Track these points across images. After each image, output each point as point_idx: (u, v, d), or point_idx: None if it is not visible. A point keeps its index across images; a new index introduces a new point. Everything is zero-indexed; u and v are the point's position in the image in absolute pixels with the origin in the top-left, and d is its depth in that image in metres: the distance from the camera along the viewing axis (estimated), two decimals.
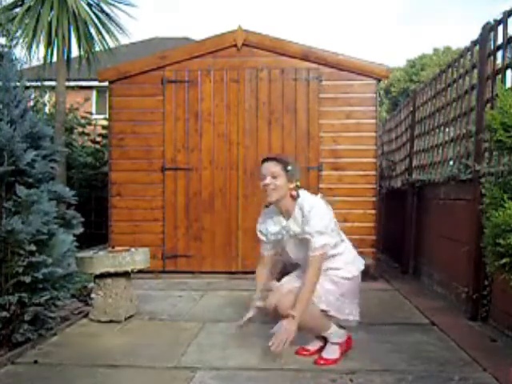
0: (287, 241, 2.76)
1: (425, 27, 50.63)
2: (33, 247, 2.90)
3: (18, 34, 5.97)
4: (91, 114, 9.09)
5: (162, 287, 4.75)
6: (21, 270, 2.88)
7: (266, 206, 2.84)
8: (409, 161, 5.83)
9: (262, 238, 2.86)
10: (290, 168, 2.66)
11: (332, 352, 2.75)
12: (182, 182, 5.34)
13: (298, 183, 2.71)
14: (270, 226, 2.80)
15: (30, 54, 5.98)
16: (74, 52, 6.28)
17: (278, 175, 2.64)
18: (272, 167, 2.65)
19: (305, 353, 2.84)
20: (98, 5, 6.29)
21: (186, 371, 2.60)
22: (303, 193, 2.72)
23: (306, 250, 2.61)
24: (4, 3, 7.55)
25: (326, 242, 2.57)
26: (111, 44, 6.33)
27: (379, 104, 5.84)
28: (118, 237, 5.26)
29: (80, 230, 3.75)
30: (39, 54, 7.14)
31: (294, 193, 2.67)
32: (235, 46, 5.30)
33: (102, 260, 3.48)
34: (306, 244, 2.61)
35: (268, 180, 2.64)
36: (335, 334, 2.75)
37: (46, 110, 8.56)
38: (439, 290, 4.39)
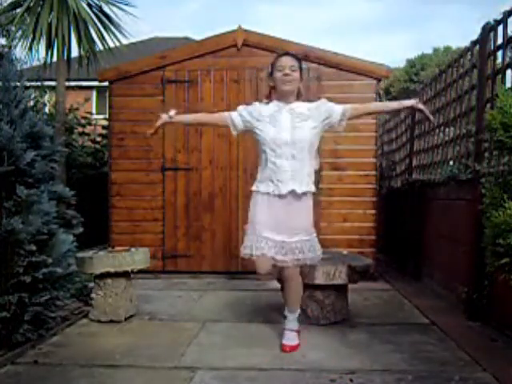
0: (283, 121, 2.83)
1: (425, 27, 50.64)
2: (33, 247, 2.90)
3: (18, 35, 5.97)
4: (91, 114, 9.09)
5: (161, 287, 4.75)
6: (21, 269, 2.88)
7: (266, 102, 2.95)
8: (409, 161, 5.83)
9: (238, 116, 2.91)
10: (303, 66, 2.92)
11: (294, 338, 2.98)
12: (182, 182, 5.34)
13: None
14: (262, 108, 2.89)
15: (30, 55, 5.98)
16: (74, 52, 6.27)
17: (296, 69, 2.84)
18: (291, 61, 2.84)
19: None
20: (97, 5, 6.29)
21: (185, 371, 2.60)
22: None
23: (302, 131, 2.80)
24: (4, 4, 7.55)
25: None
26: (111, 44, 6.33)
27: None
28: (118, 237, 5.26)
29: (80, 230, 3.77)
30: (39, 54, 7.13)
31: (301, 90, 2.90)
32: (235, 45, 5.30)
33: (101, 260, 3.48)
34: (302, 125, 2.81)
35: (288, 70, 2.80)
36: (296, 321, 3.04)
37: (46, 110, 8.55)
38: (439, 290, 4.39)
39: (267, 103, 2.93)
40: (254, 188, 2.92)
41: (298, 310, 3.08)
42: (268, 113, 2.86)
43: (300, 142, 2.80)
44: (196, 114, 3.11)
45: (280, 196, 2.81)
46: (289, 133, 2.80)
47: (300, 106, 2.88)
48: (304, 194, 2.83)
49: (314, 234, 2.91)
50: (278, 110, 2.85)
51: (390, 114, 6.82)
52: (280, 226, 2.80)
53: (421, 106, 2.83)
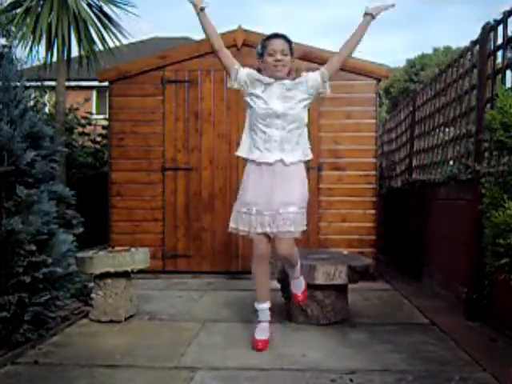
0: (273, 94, 2.88)
1: (425, 27, 50.63)
2: (33, 247, 2.90)
3: (18, 35, 5.96)
4: (91, 114, 9.08)
5: (161, 287, 4.75)
6: (21, 269, 2.88)
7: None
8: (409, 161, 5.83)
9: (244, 75, 2.92)
10: (293, 46, 2.92)
11: (301, 284, 3.17)
12: (182, 181, 5.34)
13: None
14: (259, 76, 2.91)
15: (30, 55, 5.97)
16: (74, 52, 6.27)
17: (287, 53, 2.86)
18: (282, 45, 2.86)
19: (262, 346, 2.95)
20: (97, 5, 6.28)
21: (185, 371, 2.60)
22: None
23: (291, 103, 2.86)
24: (4, 4, 7.55)
25: None
26: (111, 44, 6.32)
27: (379, 104, 5.84)
28: (118, 237, 5.26)
29: (80, 229, 3.77)
30: (39, 54, 7.13)
31: (291, 70, 2.94)
32: (235, 45, 5.29)
33: (102, 260, 3.48)
34: (291, 98, 2.88)
35: (279, 56, 2.83)
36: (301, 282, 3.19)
37: (46, 110, 8.54)
38: (439, 290, 4.39)
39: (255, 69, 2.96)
40: (239, 153, 2.99)
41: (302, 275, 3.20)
42: (263, 82, 2.89)
43: (291, 113, 2.85)
44: (216, 33, 3.00)
45: (267, 164, 2.86)
46: (280, 105, 2.85)
47: (287, 81, 2.92)
48: (293, 164, 2.86)
49: (305, 209, 2.92)
50: (269, 82, 2.88)
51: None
52: (271, 198, 2.82)
53: (376, 11, 2.93)
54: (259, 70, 2.96)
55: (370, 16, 2.92)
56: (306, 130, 2.99)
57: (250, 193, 2.92)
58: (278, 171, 2.87)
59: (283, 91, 2.89)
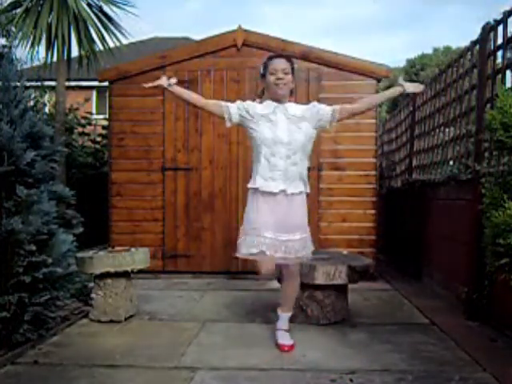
0: (279, 122, 2.84)
1: (425, 27, 50.66)
2: (33, 247, 2.90)
3: (18, 35, 5.96)
4: (91, 114, 9.08)
5: (161, 287, 4.75)
6: (21, 269, 2.88)
7: (259, 102, 2.96)
8: (409, 161, 5.83)
9: (236, 109, 2.90)
10: (295, 67, 2.94)
11: (289, 338, 3.02)
12: (182, 181, 5.34)
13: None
14: (258, 107, 2.90)
15: (30, 55, 5.98)
16: (74, 52, 6.28)
17: (288, 72, 2.85)
18: (283, 64, 2.85)
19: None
20: (97, 5, 6.29)
21: (185, 371, 2.60)
22: None
23: (298, 133, 2.82)
24: (4, 4, 7.54)
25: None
26: (111, 44, 6.33)
27: (379, 104, 5.83)
28: (118, 237, 5.26)
29: (80, 229, 3.77)
30: (39, 54, 7.13)
31: (292, 89, 2.94)
32: (235, 45, 5.30)
33: (102, 260, 3.48)
34: (298, 127, 2.84)
35: (281, 74, 2.81)
36: (287, 321, 3.10)
37: (46, 110, 8.55)
38: (439, 290, 4.39)
39: (260, 102, 2.95)
40: (248, 185, 2.92)
41: (291, 311, 3.15)
42: (263, 112, 2.86)
43: (295, 143, 2.81)
44: (195, 94, 3.02)
45: (271, 193, 2.81)
46: (285, 134, 2.81)
47: (293, 107, 2.90)
48: (295, 194, 2.85)
49: (309, 232, 2.94)
50: (272, 111, 2.85)
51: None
52: (278, 224, 2.79)
53: (410, 90, 2.92)
54: (261, 95, 2.98)
55: (401, 88, 2.91)
56: (307, 162, 2.96)
57: (258, 217, 2.82)
58: (283, 200, 2.83)
59: (287, 119, 2.85)
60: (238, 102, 2.94)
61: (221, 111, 2.92)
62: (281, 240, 2.78)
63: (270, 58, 2.91)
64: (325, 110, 2.91)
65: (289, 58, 2.92)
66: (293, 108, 2.90)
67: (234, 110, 2.90)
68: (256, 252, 2.76)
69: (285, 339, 2.99)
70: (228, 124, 2.94)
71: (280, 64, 2.84)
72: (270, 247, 2.76)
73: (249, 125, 2.89)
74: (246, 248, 2.79)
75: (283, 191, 2.81)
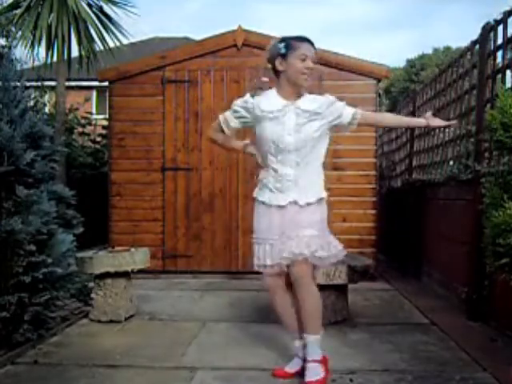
0: (288, 122, 2.45)
1: (425, 27, 50.68)
2: (33, 247, 2.90)
3: (18, 35, 5.97)
4: (91, 114, 9.09)
5: (161, 287, 4.75)
6: (21, 269, 2.88)
7: (254, 96, 2.59)
8: (409, 161, 5.82)
9: (237, 111, 2.56)
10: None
11: (319, 371, 2.40)
12: (182, 181, 5.34)
13: None
14: (262, 103, 2.50)
15: (30, 55, 5.99)
16: (74, 52, 6.28)
17: (314, 61, 2.48)
18: (314, 52, 2.47)
19: (283, 375, 2.53)
20: (98, 5, 6.29)
21: (185, 371, 2.60)
22: None
23: (310, 133, 2.45)
24: (4, 4, 7.55)
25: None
26: (111, 44, 6.33)
27: (379, 104, 5.83)
28: (117, 237, 5.26)
29: (80, 229, 3.76)
30: (39, 54, 7.13)
31: None
32: (235, 45, 5.30)
33: (101, 260, 3.48)
34: (310, 126, 2.45)
35: (312, 63, 2.44)
36: (317, 347, 2.47)
37: (46, 110, 8.55)
38: (439, 290, 4.39)
39: (253, 96, 2.56)
40: (254, 194, 2.60)
41: (321, 331, 2.52)
42: (270, 109, 2.46)
43: (305, 146, 2.45)
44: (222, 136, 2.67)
45: (279, 207, 2.46)
46: (292, 136, 2.43)
47: (307, 100, 2.49)
48: (310, 204, 2.47)
49: (327, 232, 2.53)
50: (281, 109, 2.46)
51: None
52: (284, 231, 2.44)
53: (436, 123, 2.62)
54: (272, 82, 2.55)
55: (426, 122, 2.58)
56: (321, 165, 2.63)
57: (263, 228, 2.50)
58: (292, 210, 2.46)
59: (297, 118, 2.46)
60: (238, 103, 2.57)
61: (223, 129, 2.59)
62: (283, 241, 2.42)
63: (299, 40, 2.46)
64: (345, 111, 2.55)
65: (314, 45, 2.49)
66: (306, 101, 2.49)
67: (230, 116, 2.56)
68: (267, 265, 2.45)
69: (311, 374, 2.38)
70: (226, 131, 2.59)
71: (312, 50, 2.45)
72: (274, 255, 2.43)
73: (252, 125, 2.54)
74: (262, 260, 2.48)
75: (295, 202, 2.45)
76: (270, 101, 2.51)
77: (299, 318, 2.53)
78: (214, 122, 2.69)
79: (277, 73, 2.52)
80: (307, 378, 2.38)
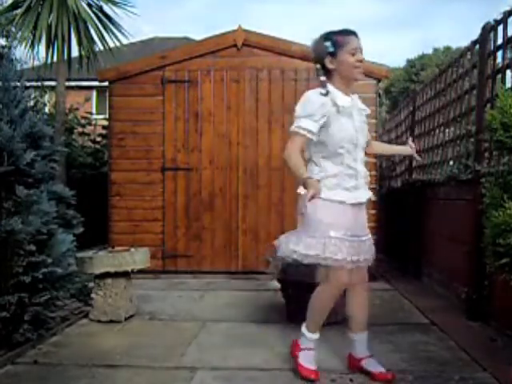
0: (355, 119, 2.46)
1: (425, 27, 50.70)
2: (32, 247, 2.90)
3: (18, 35, 5.97)
4: (91, 114, 9.09)
5: (161, 287, 4.75)
6: (21, 269, 2.87)
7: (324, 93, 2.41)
8: (409, 161, 5.82)
9: (318, 115, 2.36)
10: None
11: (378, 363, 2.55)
12: (182, 181, 5.34)
13: None
14: (337, 98, 2.39)
15: (30, 55, 5.99)
16: (74, 52, 6.28)
17: (362, 51, 2.43)
18: (360, 43, 2.42)
19: (317, 375, 2.49)
20: (97, 5, 6.29)
21: (185, 371, 2.60)
22: None
23: (365, 130, 2.52)
24: (5, 4, 7.55)
25: None
26: (111, 44, 6.34)
27: (379, 104, 5.84)
28: (117, 237, 5.25)
29: (80, 229, 3.76)
30: (39, 54, 7.14)
31: None
32: (235, 45, 5.30)
33: (101, 260, 3.48)
34: (365, 125, 2.53)
35: (361, 56, 2.40)
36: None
37: (46, 110, 8.55)
38: (439, 290, 4.39)
39: (326, 92, 2.40)
40: (323, 195, 2.32)
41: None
42: (345, 105, 2.41)
43: (365, 143, 2.53)
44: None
45: (356, 205, 2.45)
46: (359, 133, 2.45)
47: (358, 101, 2.54)
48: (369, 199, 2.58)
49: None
50: (350, 105, 2.43)
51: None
52: (353, 228, 2.43)
53: (412, 152, 2.83)
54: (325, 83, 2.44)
55: (408, 151, 2.83)
56: None
57: (336, 219, 2.40)
58: (362, 210, 2.53)
59: (362, 117, 2.52)
60: (312, 108, 2.36)
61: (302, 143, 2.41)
62: (356, 240, 2.44)
63: (345, 34, 2.41)
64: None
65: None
66: (357, 100, 2.52)
67: (312, 123, 2.36)
68: (335, 258, 2.37)
69: (377, 366, 2.53)
70: (314, 138, 2.39)
71: (359, 41, 2.40)
72: (346, 249, 2.39)
73: (329, 122, 2.38)
74: (321, 250, 2.37)
75: (368, 199, 2.53)
76: (341, 97, 2.43)
77: (356, 316, 2.59)
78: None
79: (327, 72, 2.45)
80: (379, 369, 2.50)
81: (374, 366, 2.52)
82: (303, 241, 2.41)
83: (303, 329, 2.58)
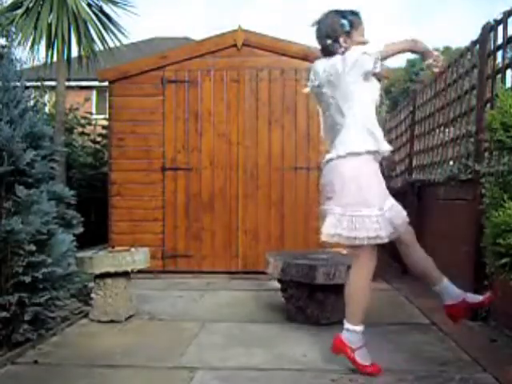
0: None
1: (425, 27, 50.67)
2: (32, 247, 2.90)
3: (18, 35, 5.97)
4: (91, 114, 9.09)
5: (161, 287, 4.75)
6: (21, 269, 2.87)
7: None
8: (409, 161, 5.82)
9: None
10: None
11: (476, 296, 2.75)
12: (182, 181, 5.34)
13: None
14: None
15: (31, 55, 5.99)
16: (74, 52, 6.29)
17: None
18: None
19: (378, 369, 2.55)
20: (97, 5, 6.29)
21: (185, 371, 2.60)
22: None
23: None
24: (5, 4, 7.55)
25: None
26: (111, 44, 6.34)
27: (379, 104, 5.82)
28: (118, 237, 5.26)
29: (80, 229, 3.76)
30: (39, 54, 7.14)
31: None
32: (235, 46, 5.30)
33: (102, 260, 3.48)
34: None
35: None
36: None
37: (46, 109, 8.56)
38: None
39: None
40: (367, 147, 2.66)
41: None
42: None
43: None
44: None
45: (382, 153, 2.69)
46: None
47: None
48: None
49: None
50: None
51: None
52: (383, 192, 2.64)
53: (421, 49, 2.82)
54: (330, 53, 2.61)
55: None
56: None
57: (376, 191, 2.69)
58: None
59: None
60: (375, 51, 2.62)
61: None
62: (390, 206, 2.67)
63: (357, 16, 2.61)
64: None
65: None
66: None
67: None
68: (372, 235, 2.52)
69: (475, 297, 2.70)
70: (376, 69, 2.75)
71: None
72: (386, 225, 2.54)
73: (368, 78, 2.75)
74: (358, 230, 2.52)
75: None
76: None
77: (426, 268, 2.81)
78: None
79: (334, 49, 2.57)
80: (476, 300, 2.70)
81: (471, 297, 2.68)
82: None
83: (348, 325, 2.57)
